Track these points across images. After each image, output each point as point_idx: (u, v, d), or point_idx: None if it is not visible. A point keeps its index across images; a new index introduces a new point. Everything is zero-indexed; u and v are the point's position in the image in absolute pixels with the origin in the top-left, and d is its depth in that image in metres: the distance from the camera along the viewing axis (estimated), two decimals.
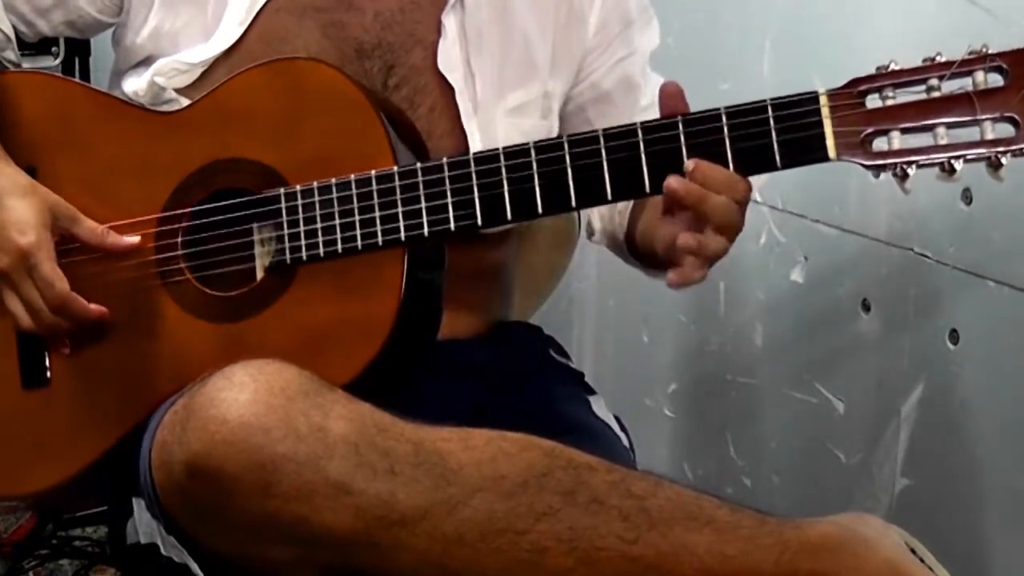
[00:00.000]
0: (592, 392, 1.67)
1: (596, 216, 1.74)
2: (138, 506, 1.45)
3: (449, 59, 1.56)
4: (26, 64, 1.71)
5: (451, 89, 1.56)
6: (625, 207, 1.67)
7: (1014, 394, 1.70)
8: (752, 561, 1.30)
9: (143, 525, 1.45)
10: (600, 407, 1.65)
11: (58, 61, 2.39)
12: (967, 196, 1.72)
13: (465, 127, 1.55)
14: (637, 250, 1.65)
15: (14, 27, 1.63)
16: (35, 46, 1.83)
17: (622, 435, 1.64)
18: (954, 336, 1.77)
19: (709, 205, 1.36)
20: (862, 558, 1.32)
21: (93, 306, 1.46)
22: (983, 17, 1.65)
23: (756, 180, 1.43)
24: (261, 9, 1.55)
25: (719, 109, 1.36)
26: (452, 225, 1.41)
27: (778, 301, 2.08)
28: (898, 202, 1.83)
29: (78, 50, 2.44)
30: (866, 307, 1.91)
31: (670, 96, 1.40)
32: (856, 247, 1.91)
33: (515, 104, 1.59)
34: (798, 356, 2.05)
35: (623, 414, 1.70)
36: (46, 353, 1.51)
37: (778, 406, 2.08)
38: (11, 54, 1.65)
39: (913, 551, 1.36)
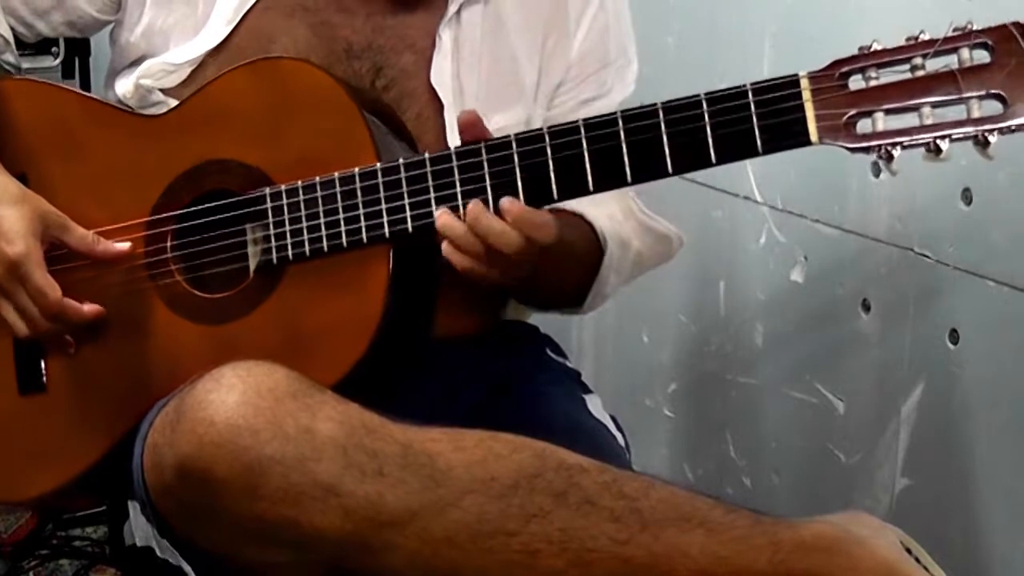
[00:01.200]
0: (588, 391, 1.67)
1: None
2: (134, 509, 1.46)
3: (440, 72, 1.56)
4: (26, 64, 1.72)
5: (440, 99, 1.56)
6: None
7: (1014, 394, 1.70)
8: (746, 561, 1.30)
9: (139, 528, 1.45)
10: (596, 406, 1.64)
11: (58, 61, 2.39)
12: (967, 196, 1.71)
13: (448, 142, 1.54)
14: None
15: (13, 29, 1.63)
16: (35, 46, 1.84)
17: (618, 434, 1.63)
18: (954, 336, 1.77)
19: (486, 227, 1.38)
20: (856, 558, 1.31)
21: (87, 306, 1.46)
22: (984, 16, 1.64)
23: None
24: (250, 8, 1.55)
25: (699, 95, 1.35)
26: (436, 219, 1.41)
27: (778, 301, 2.07)
28: (898, 202, 1.83)
29: (78, 50, 2.44)
30: (866, 307, 1.90)
31: (468, 124, 1.41)
32: (856, 247, 1.91)
33: (498, 127, 1.58)
34: (798, 356, 2.04)
35: (623, 414, 1.70)
36: (42, 359, 1.51)
37: (778, 406, 2.08)
38: (10, 56, 1.65)
39: (909, 551, 1.36)
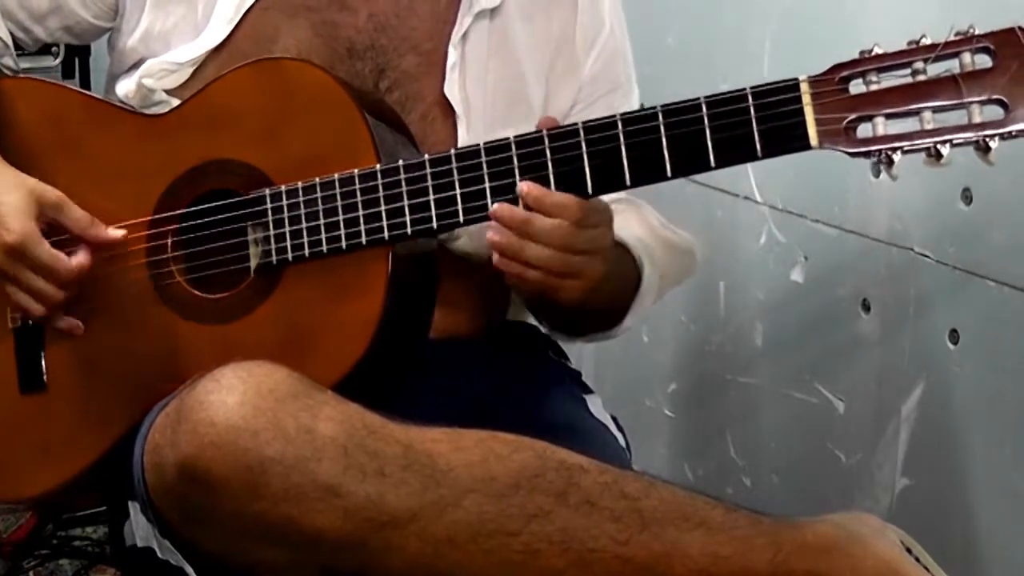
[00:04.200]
0: (589, 391, 1.67)
1: None
2: (134, 509, 1.45)
3: (450, 84, 1.56)
4: (26, 64, 1.72)
5: (445, 102, 1.56)
6: None
7: (1014, 394, 1.69)
8: (746, 562, 1.30)
9: (139, 528, 1.45)
10: (597, 407, 1.64)
11: (58, 61, 2.40)
12: (967, 196, 1.71)
13: None
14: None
15: (11, 34, 1.63)
16: None
17: (619, 435, 1.63)
18: (954, 336, 1.77)
19: (534, 228, 1.37)
20: (857, 558, 1.31)
21: (81, 255, 1.47)
22: (986, 18, 1.64)
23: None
24: (251, 7, 1.55)
25: (699, 98, 1.35)
26: (435, 223, 1.41)
27: (778, 301, 2.07)
28: (898, 202, 1.83)
29: (78, 51, 2.45)
30: (866, 307, 1.90)
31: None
32: (856, 247, 1.91)
33: None
34: (798, 356, 2.04)
35: (623, 414, 1.70)
36: (43, 357, 1.52)
37: (778, 406, 2.08)
38: (9, 60, 1.65)
39: (909, 551, 1.36)
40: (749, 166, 2.06)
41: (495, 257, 1.41)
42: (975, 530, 1.76)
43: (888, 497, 1.88)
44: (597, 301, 1.48)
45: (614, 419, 1.65)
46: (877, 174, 1.84)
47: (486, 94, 1.58)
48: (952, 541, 1.75)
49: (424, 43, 1.57)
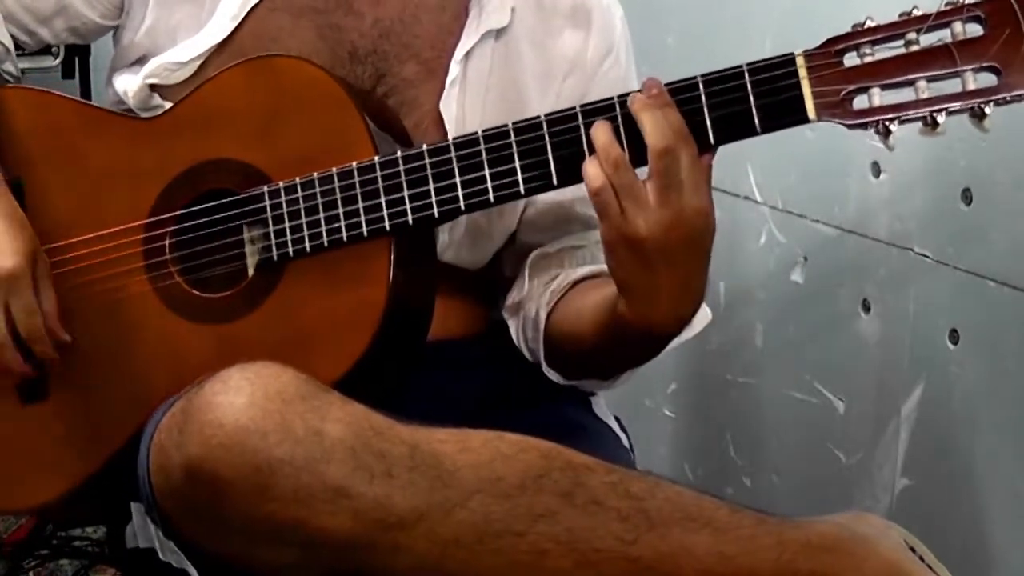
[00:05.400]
0: (592, 392, 1.67)
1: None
2: (136, 511, 1.45)
3: (448, 98, 1.56)
4: (25, 65, 1.71)
5: (439, 113, 1.55)
6: (560, 287, 1.59)
7: (1014, 394, 1.69)
8: (752, 561, 1.30)
9: (141, 529, 1.45)
10: (599, 407, 1.65)
11: (57, 61, 2.39)
12: (967, 196, 1.71)
13: None
14: (557, 331, 1.57)
15: (14, 37, 1.63)
16: None
17: (622, 435, 1.64)
18: (954, 336, 1.77)
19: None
20: (862, 558, 1.31)
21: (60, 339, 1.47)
22: None
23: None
24: (256, 7, 1.55)
25: (695, 77, 1.35)
26: (436, 211, 1.41)
27: (778, 301, 2.08)
28: (898, 202, 1.83)
29: (78, 51, 2.45)
30: (866, 307, 1.90)
31: None
32: (856, 247, 1.91)
33: None
34: (798, 356, 2.04)
35: (623, 414, 1.70)
36: (44, 365, 1.51)
37: (778, 406, 2.08)
38: (10, 66, 1.64)
39: (913, 550, 1.36)
40: (749, 165, 2.06)
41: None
42: (975, 530, 1.76)
43: (888, 497, 1.88)
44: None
45: (617, 419, 1.65)
46: (877, 174, 1.85)
47: (484, 111, 1.57)
48: (952, 541, 1.75)
49: (425, 51, 1.57)
